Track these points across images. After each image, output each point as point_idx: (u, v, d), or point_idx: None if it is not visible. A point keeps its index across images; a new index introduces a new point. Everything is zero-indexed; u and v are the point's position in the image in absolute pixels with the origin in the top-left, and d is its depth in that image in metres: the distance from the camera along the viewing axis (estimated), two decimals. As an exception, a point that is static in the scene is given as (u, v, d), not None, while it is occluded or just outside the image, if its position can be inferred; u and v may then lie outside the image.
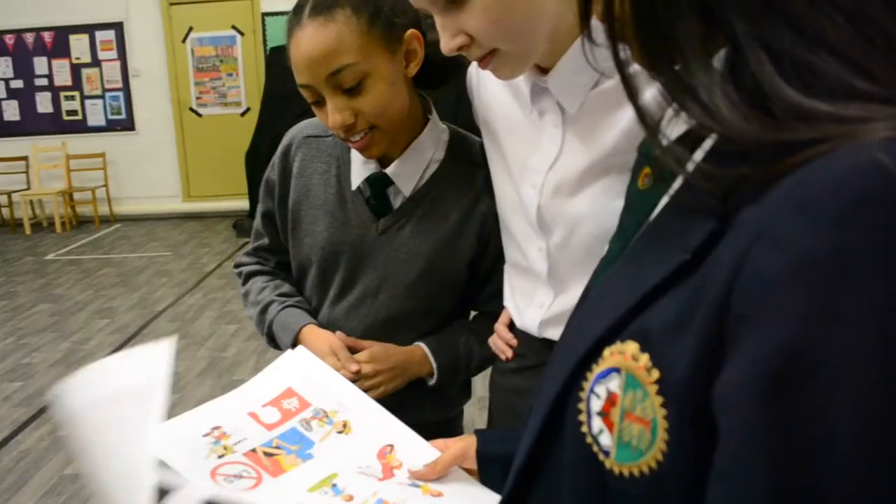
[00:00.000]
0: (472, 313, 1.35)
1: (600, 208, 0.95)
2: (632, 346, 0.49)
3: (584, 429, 0.52)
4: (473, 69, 1.15)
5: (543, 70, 0.96)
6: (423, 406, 1.27)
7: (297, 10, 1.07)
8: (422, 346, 1.23)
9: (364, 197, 1.22)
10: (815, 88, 0.42)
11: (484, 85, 1.12)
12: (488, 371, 1.31)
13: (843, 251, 0.37)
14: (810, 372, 0.37)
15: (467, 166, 1.22)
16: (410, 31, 1.10)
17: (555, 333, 1.05)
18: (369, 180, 1.20)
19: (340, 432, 0.98)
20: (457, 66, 1.17)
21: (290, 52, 1.08)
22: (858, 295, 0.36)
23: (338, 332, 1.21)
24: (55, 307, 5.19)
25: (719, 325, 0.42)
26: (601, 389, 0.51)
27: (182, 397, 3.61)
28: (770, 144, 0.42)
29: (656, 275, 0.48)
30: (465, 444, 0.90)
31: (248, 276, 1.37)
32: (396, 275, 1.21)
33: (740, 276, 0.40)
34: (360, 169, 1.21)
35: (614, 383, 0.50)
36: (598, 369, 0.51)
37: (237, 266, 1.40)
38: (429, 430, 1.28)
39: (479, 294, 1.29)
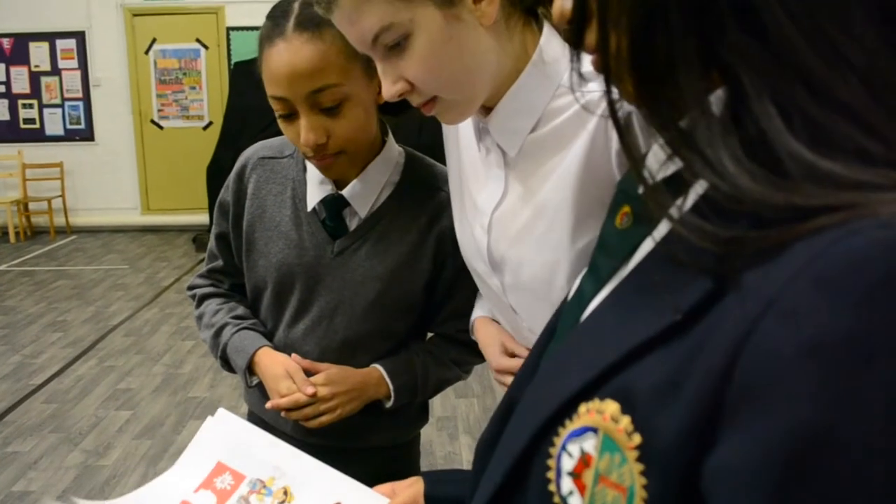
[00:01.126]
0: (429, 335, 1.36)
1: (539, 256, 0.94)
2: (611, 406, 0.45)
3: (552, 487, 0.50)
4: None
5: (488, 109, 0.95)
6: (380, 429, 1.27)
7: (278, 21, 1.06)
8: (378, 368, 1.23)
9: (319, 218, 1.22)
10: (826, 148, 0.39)
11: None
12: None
13: (863, 333, 0.34)
14: (823, 461, 0.35)
15: (422, 189, 1.23)
16: None
17: None
18: (325, 202, 1.20)
19: (282, 502, 0.95)
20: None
21: (268, 62, 1.06)
22: (878, 381, 0.34)
23: (293, 355, 1.20)
24: (6, 319, 5.07)
25: (717, 396, 0.39)
26: (574, 448, 0.48)
27: (135, 414, 3.55)
28: (779, 207, 0.39)
29: (642, 332, 0.45)
30: (414, 491, 0.88)
31: (202, 299, 1.35)
32: (353, 297, 1.20)
33: (747, 346, 0.38)
34: (315, 190, 1.21)
35: (590, 443, 0.47)
36: (571, 426, 0.48)
37: (191, 288, 1.38)
38: (387, 454, 1.29)
39: (435, 316, 1.30)
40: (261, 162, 1.26)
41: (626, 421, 0.44)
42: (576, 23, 0.50)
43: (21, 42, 8.03)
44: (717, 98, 0.44)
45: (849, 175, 0.38)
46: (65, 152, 8.14)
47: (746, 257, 0.40)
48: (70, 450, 3.21)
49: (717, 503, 0.39)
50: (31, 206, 8.04)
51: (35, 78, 8.12)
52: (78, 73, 8.11)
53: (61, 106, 8.17)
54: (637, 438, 0.43)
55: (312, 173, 1.21)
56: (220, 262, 1.34)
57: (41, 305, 5.40)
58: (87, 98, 8.15)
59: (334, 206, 1.20)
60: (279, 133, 1.21)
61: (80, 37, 8.01)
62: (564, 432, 0.49)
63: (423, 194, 1.23)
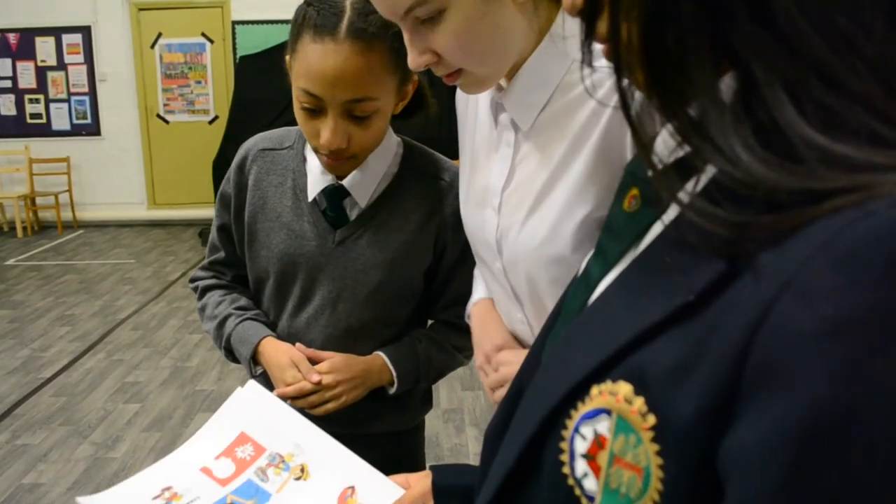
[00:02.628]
0: (430, 322, 1.38)
1: (546, 230, 0.95)
2: (624, 388, 0.45)
3: (566, 470, 0.49)
4: None
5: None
6: (384, 416, 1.29)
7: (328, 18, 1.04)
8: (381, 355, 1.25)
9: (320, 208, 1.23)
10: (838, 132, 0.39)
11: (474, 101, 1.11)
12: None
13: (884, 311, 0.34)
14: (843, 440, 0.35)
15: (421, 178, 1.25)
16: (416, 79, 1.16)
17: None
18: (326, 192, 1.22)
19: (298, 478, 0.96)
20: (420, 109, 1.24)
21: (310, 57, 1.05)
22: None
23: (297, 344, 1.22)
24: (14, 314, 5.10)
25: (733, 375, 0.39)
26: (587, 430, 0.48)
27: (143, 407, 3.57)
28: (794, 191, 0.39)
29: (654, 313, 0.45)
30: (427, 482, 0.88)
31: (205, 291, 1.36)
32: (355, 285, 1.22)
33: (764, 326, 0.38)
34: (316, 180, 1.22)
35: (603, 425, 0.46)
36: (584, 408, 0.48)
37: (193, 280, 1.40)
38: (391, 441, 1.30)
39: (436, 303, 1.32)
40: (261, 153, 1.27)
41: (639, 402, 0.44)
42: (588, 13, 0.50)
43: (27, 37, 8.05)
44: (726, 85, 0.44)
45: (862, 157, 0.38)
46: (71, 147, 8.16)
47: (761, 240, 0.40)
48: (79, 442, 3.23)
49: (735, 482, 0.39)
50: (39, 200, 8.07)
51: (41, 73, 8.14)
52: (84, 68, 8.12)
53: (67, 101, 8.19)
54: (652, 419, 0.43)
55: (313, 164, 1.23)
56: (221, 254, 1.35)
57: (49, 300, 5.43)
58: (93, 93, 8.17)
59: (335, 196, 1.22)
60: (288, 126, 1.22)
61: (85, 31, 8.02)
62: (577, 415, 0.48)
63: (422, 183, 1.25)
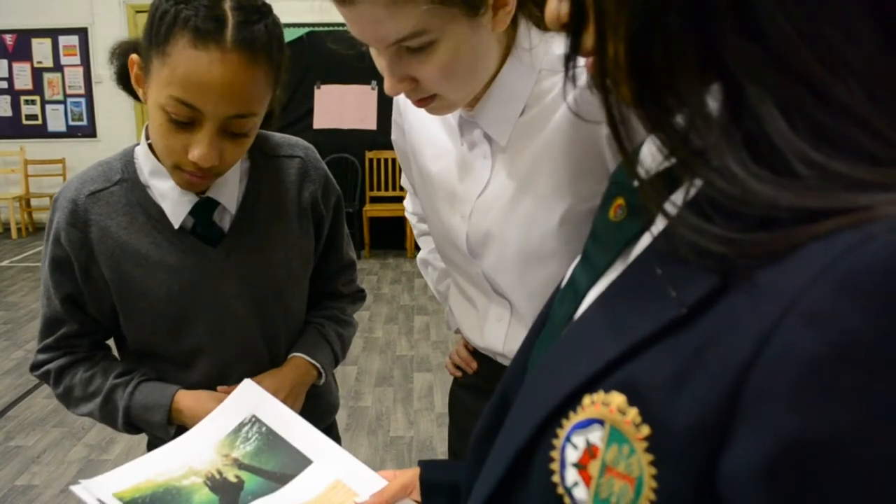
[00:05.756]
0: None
1: (526, 229, 0.97)
2: (617, 398, 0.45)
3: (556, 479, 0.50)
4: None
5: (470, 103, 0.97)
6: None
7: (211, 25, 0.93)
8: (298, 355, 1.23)
9: (188, 231, 1.13)
10: (831, 149, 0.39)
11: (410, 108, 1.11)
12: (449, 387, 1.33)
13: (892, 338, 0.34)
14: (848, 465, 0.35)
15: (276, 161, 1.20)
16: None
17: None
18: (194, 210, 1.12)
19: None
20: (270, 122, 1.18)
21: (193, 65, 0.94)
22: None
23: (219, 387, 1.15)
24: (8, 315, 5.10)
25: (732, 393, 0.39)
26: (579, 440, 0.48)
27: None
28: (790, 209, 0.39)
29: (646, 325, 0.45)
30: (412, 474, 0.89)
31: (60, 373, 1.18)
32: (261, 287, 1.17)
33: (768, 347, 0.37)
34: (176, 204, 1.11)
35: (595, 435, 0.47)
36: (576, 418, 0.48)
37: (37, 367, 1.19)
38: None
39: (322, 273, 1.31)
40: (91, 198, 1.10)
41: (633, 413, 0.44)
42: (573, 28, 0.50)
43: (24, 38, 8.04)
44: (711, 95, 0.44)
45: (857, 175, 0.38)
46: (67, 148, 8.15)
47: (756, 258, 0.40)
48: (73, 444, 3.23)
49: (735, 502, 0.39)
50: (33, 202, 8.06)
51: (37, 74, 8.13)
52: (80, 70, 8.11)
53: (63, 102, 8.18)
54: (646, 429, 0.44)
55: (163, 188, 1.11)
56: (72, 327, 1.16)
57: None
58: (89, 94, 8.16)
59: (204, 212, 1.13)
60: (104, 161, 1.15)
61: (82, 33, 8.01)
62: (568, 424, 0.49)
63: (279, 166, 1.20)
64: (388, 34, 0.81)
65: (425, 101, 0.90)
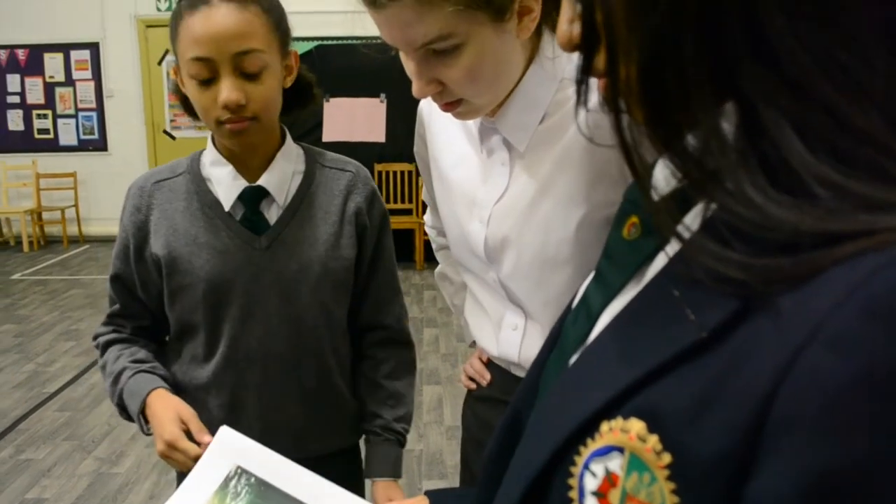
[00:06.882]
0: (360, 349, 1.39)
1: (543, 234, 0.98)
2: (636, 425, 0.44)
3: None
4: (424, 103, 1.18)
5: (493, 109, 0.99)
6: (321, 438, 1.30)
7: None
8: (382, 480, 1.30)
9: (237, 219, 1.21)
10: (847, 168, 0.39)
11: (434, 118, 1.16)
12: (459, 401, 1.32)
13: None
14: (876, 493, 0.34)
15: (330, 171, 1.29)
16: (293, 50, 1.21)
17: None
18: (243, 196, 1.21)
19: None
20: (312, 96, 1.28)
21: (191, 27, 1.09)
22: None
23: (194, 431, 1.14)
24: (20, 328, 5.11)
25: (757, 420, 0.38)
26: (598, 468, 0.47)
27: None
28: (812, 233, 0.38)
29: (666, 349, 0.44)
30: (418, 502, 0.86)
31: (105, 347, 1.30)
32: (295, 284, 1.21)
33: (793, 373, 0.37)
34: (228, 189, 1.21)
35: (615, 463, 0.45)
36: (594, 445, 0.47)
37: (95, 337, 1.33)
38: (326, 462, 1.19)
39: (360, 307, 1.33)
40: (156, 186, 1.25)
41: (653, 440, 0.43)
42: (585, 49, 0.50)
43: (36, 53, 8.11)
44: (725, 118, 0.43)
45: (877, 196, 0.38)
46: (78, 162, 8.20)
47: (778, 283, 0.39)
48: (83, 457, 3.24)
49: None
50: (45, 215, 8.11)
51: (49, 89, 8.20)
52: (92, 84, 8.18)
53: (75, 116, 8.24)
54: (667, 458, 0.43)
55: (219, 174, 1.22)
56: (117, 307, 1.30)
57: (54, 314, 5.44)
58: (100, 108, 8.22)
59: (253, 199, 1.21)
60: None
61: (94, 48, 8.08)
62: (586, 451, 0.48)
63: (332, 175, 1.28)
64: (416, 37, 0.85)
65: (452, 105, 0.93)
